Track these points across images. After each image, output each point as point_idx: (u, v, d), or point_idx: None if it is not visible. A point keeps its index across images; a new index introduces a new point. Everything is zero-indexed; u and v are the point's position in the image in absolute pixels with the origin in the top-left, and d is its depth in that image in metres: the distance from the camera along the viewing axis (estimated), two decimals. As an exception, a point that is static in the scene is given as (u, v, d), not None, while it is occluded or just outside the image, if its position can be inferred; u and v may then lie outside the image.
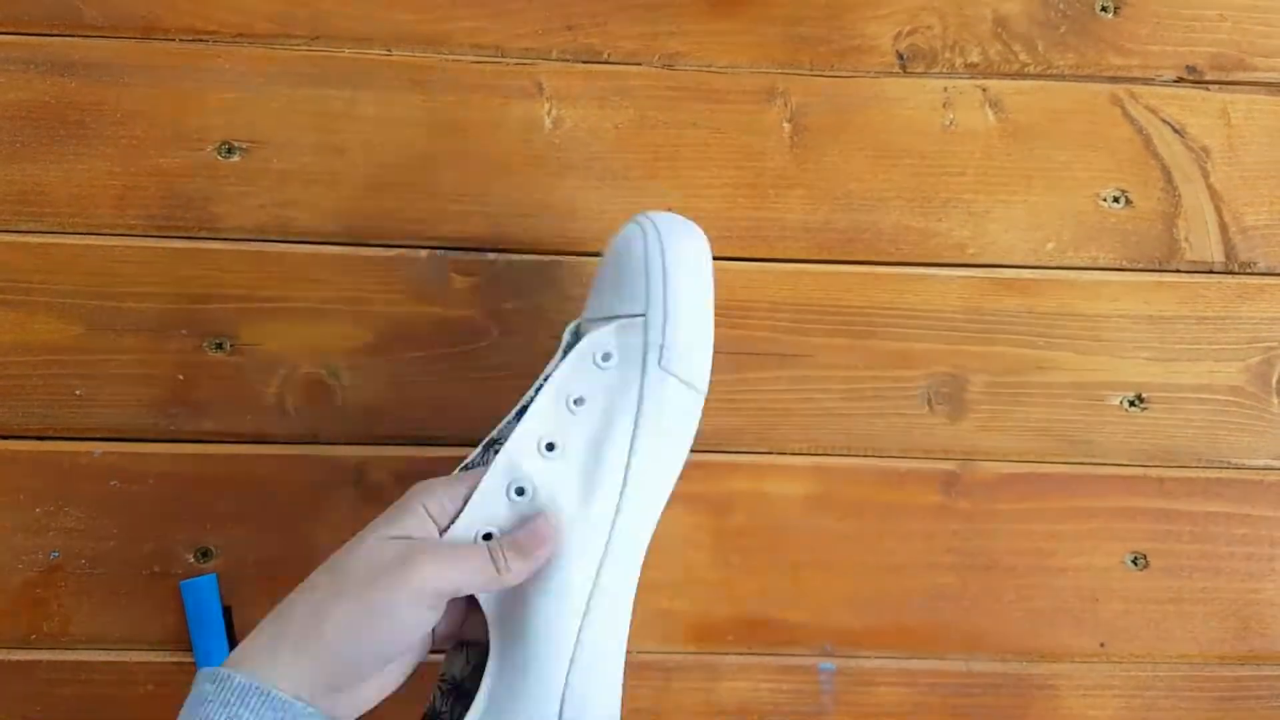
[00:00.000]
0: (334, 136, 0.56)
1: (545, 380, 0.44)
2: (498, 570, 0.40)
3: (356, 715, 0.40)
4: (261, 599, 0.41)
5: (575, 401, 0.44)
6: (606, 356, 0.44)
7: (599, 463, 0.43)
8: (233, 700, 0.36)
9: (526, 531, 0.41)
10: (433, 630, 0.42)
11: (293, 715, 0.36)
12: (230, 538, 0.52)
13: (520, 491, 0.42)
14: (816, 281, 0.56)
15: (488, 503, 0.42)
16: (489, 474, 0.42)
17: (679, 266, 0.45)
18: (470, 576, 0.40)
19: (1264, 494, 0.55)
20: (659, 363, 0.44)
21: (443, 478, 0.42)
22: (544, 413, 0.44)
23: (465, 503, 0.42)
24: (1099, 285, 0.57)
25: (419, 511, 0.41)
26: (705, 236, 0.47)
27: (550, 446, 0.43)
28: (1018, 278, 0.56)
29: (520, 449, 0.43)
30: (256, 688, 0.36)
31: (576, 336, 0.46)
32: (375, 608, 0.38)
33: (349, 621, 0.38)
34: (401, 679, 0.42)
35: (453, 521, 0.41)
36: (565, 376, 0.44)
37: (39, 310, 0.54)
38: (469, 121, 0.56)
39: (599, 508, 0.42)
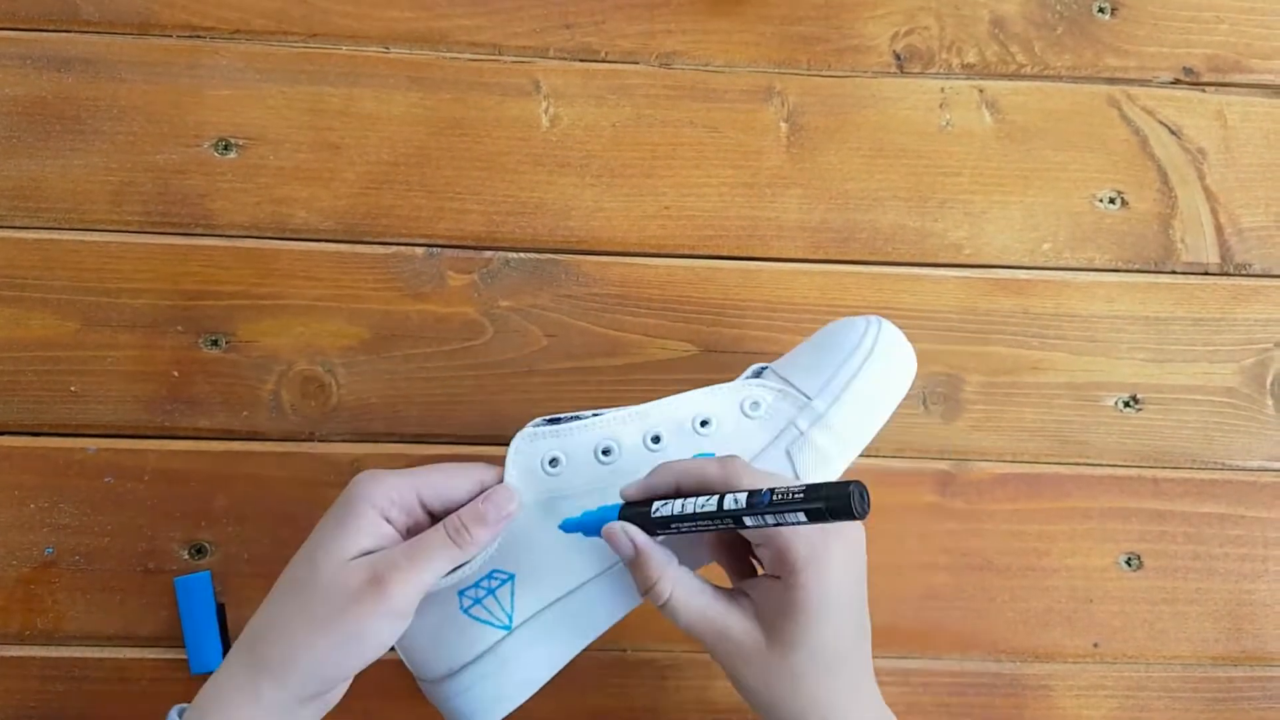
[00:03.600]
0: (331, 134, 0.56)
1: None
2: (460, 546, 0.40)
3: (338, 698, 0.42)
4: (255, 596, 0.41)
5: (701, 423, 0.45)
6: (755, 405, 0.45)
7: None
8: None
9: (489, 501, 0.42)
10: None
11: None
12: (225, 535, 0.52)
13: (606, 452, 0.44)
14: (813, 281, 0.56)
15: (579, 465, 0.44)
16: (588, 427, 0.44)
17: (873, 367, 0.46)
18: (438, 566, 0.40)
19: (1258, 495, 0.55)
20: (805, 426, 0.45)
21: (394, 473, 0.42)
22: (664, 410, 0.45)
23: (419, 507, 0.42)
24: (1094, 286, 0.57)
25: (372, 517, 0.40)
26: (915, 368, 0.48)
27: (656, 439, 0.45)
28: (1013, 278, 0.56)
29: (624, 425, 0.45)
30: None
31: (754, 374, 0.48)
32: (353, 634, 0.38)
33: (326, 651, 0.38)
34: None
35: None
36: (707, 397, 0.46)
37: (34, 306, 0.54)
38: (466, 119, 0.56)
39: None
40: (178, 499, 0.53)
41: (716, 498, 0.38)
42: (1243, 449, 0.56)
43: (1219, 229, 0.57)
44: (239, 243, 0.55)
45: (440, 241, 0.55)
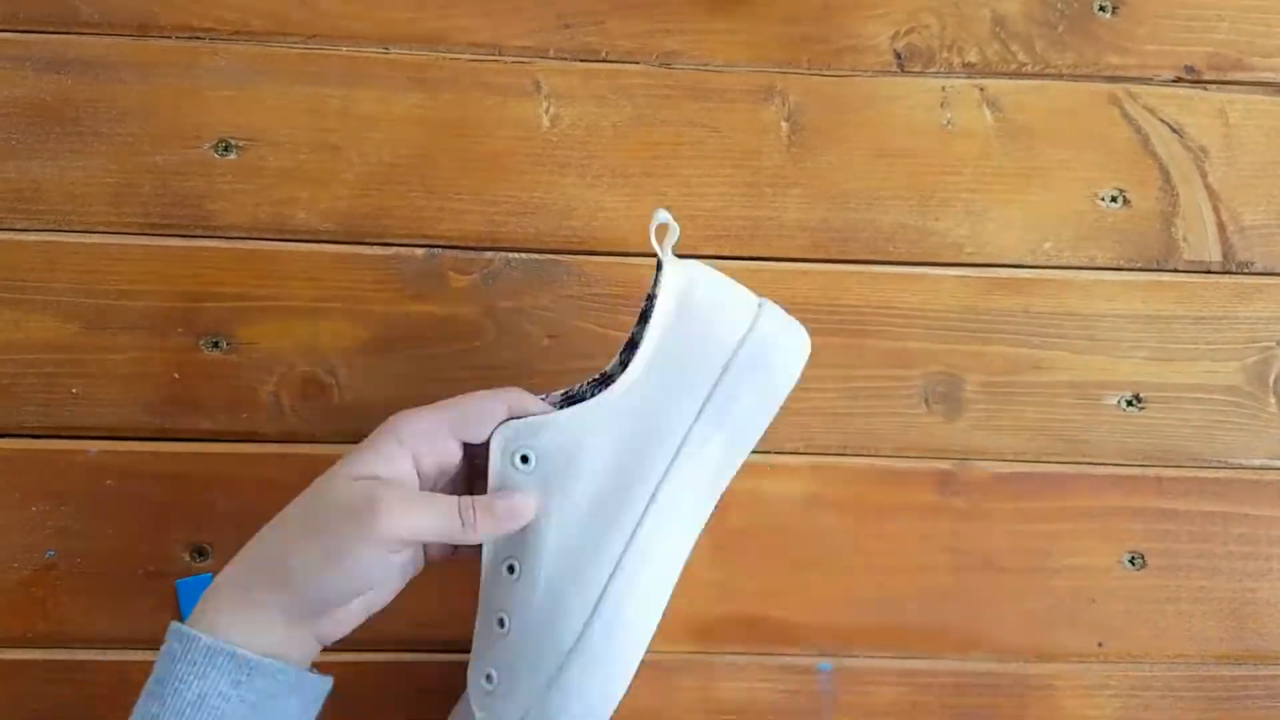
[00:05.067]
0: (331, 134, 0.56)
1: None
2: (463, 525, 0.40)
3: (344, 631, 0.41)
4: (257, 598, 0.41)
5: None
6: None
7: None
8: (200, 660, 0.37)
9: (507, 502, 0.41)
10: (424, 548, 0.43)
11: (261, 673, 0.37)
12: (226, 537, 0.52)
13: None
14: (813, 281, 0.56)
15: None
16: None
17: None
18: (434, 525, 0.40)
19: (1261, 493, 0.55)
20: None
21: (426, 408, 0.42)
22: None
23: (448, 438, 0.42)
24: (1096, 285, 0.56)
25: (396, 447, 0.41)
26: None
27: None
28: (1015, 277, 0.56)
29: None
30: (224, 649, 0.37)
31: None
32: (335, 552, 0.38)
33: (312, 563, 0.38)
34: (388, 599, 0.42)
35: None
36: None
37: (35, 309, 0.53)
38: (466, 120, 0.56)
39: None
40: (179, 501, 0.52)
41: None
42: (1245, 447, 0.56)
43: (1221, 227, 0.57)
44: (239, 244, 0.55)
45: (441, 242, 0.55)
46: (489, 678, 0.42)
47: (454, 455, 0.42)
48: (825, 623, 0.53)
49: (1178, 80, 0.59)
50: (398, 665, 0.52)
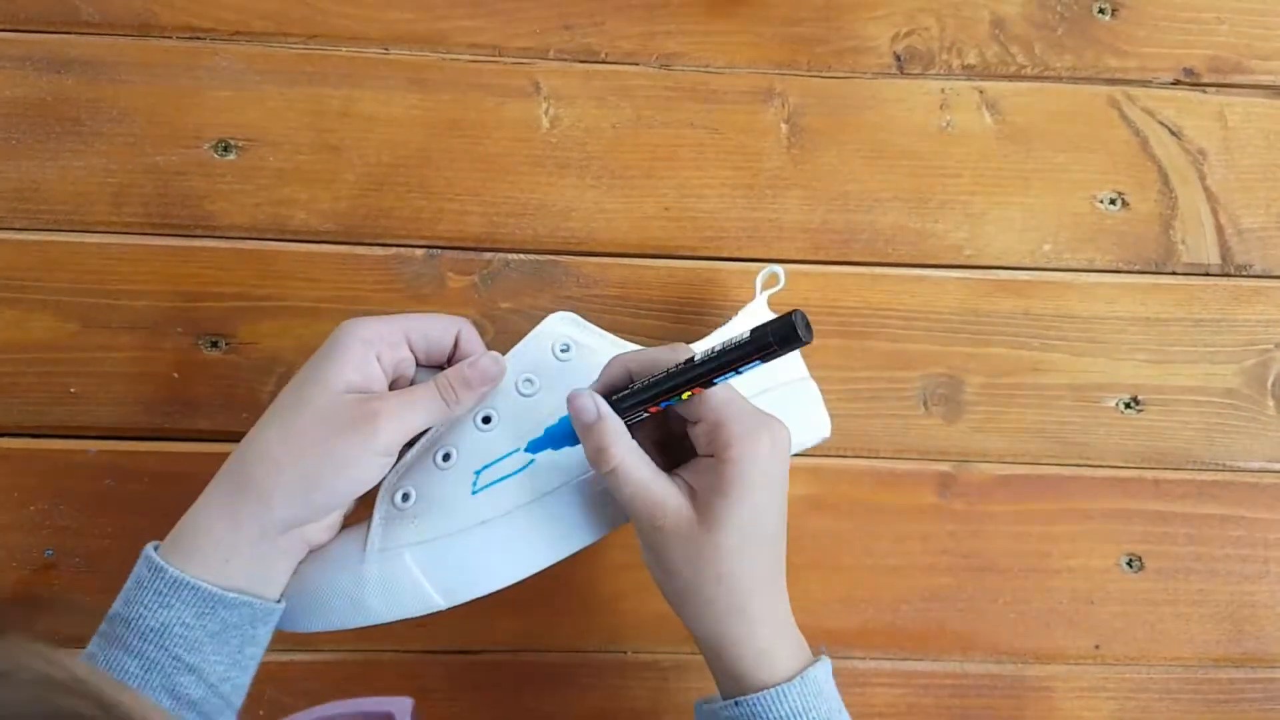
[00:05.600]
0: (330, 135, 0.56)
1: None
2: (447, 404, 0.43)
3: (329, 535, 0.44)
4: (256, 598, 0.41)
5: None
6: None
7: None
8: (165, 591, 0.39)
9: (474, 368, 0.44)
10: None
11: (224, 605, 0.40)
12: (225, 536, 0.52)
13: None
14: (813, 282, 0.56)
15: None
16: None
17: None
18: (425, 417, 0.42)
19: (1259, 496, 0.55)
20: None
21: (376, 318, 0.44)
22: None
23: (405, 345, 0.44)
24: (1095, 287, 0.57)
25: (363, 350, 0.42)
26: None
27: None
28: (1014, 279, 0.56)
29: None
30: (188, 583, 0.39)
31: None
32: (339, 462, 0.40)
33: (312, 474, 0.40)
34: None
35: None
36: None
37: (35, 308, 0.53)
38: (466, 120, 0.56)
39: None
40: (178, 501, 0.52)
41: (680, 364, 0.41)
42: (1244, 450, 0.56)
43: (1219, 229, 0.57)
44: (239, 244, 0.55)
45: (440, 243, 0.55)
46: (405, 496, 0.44)
47: (410, 364, 0.45)
48: (823, 623, 0.53)
49: (1177, 83, 0.59)
50: (399, 665, 0.52)
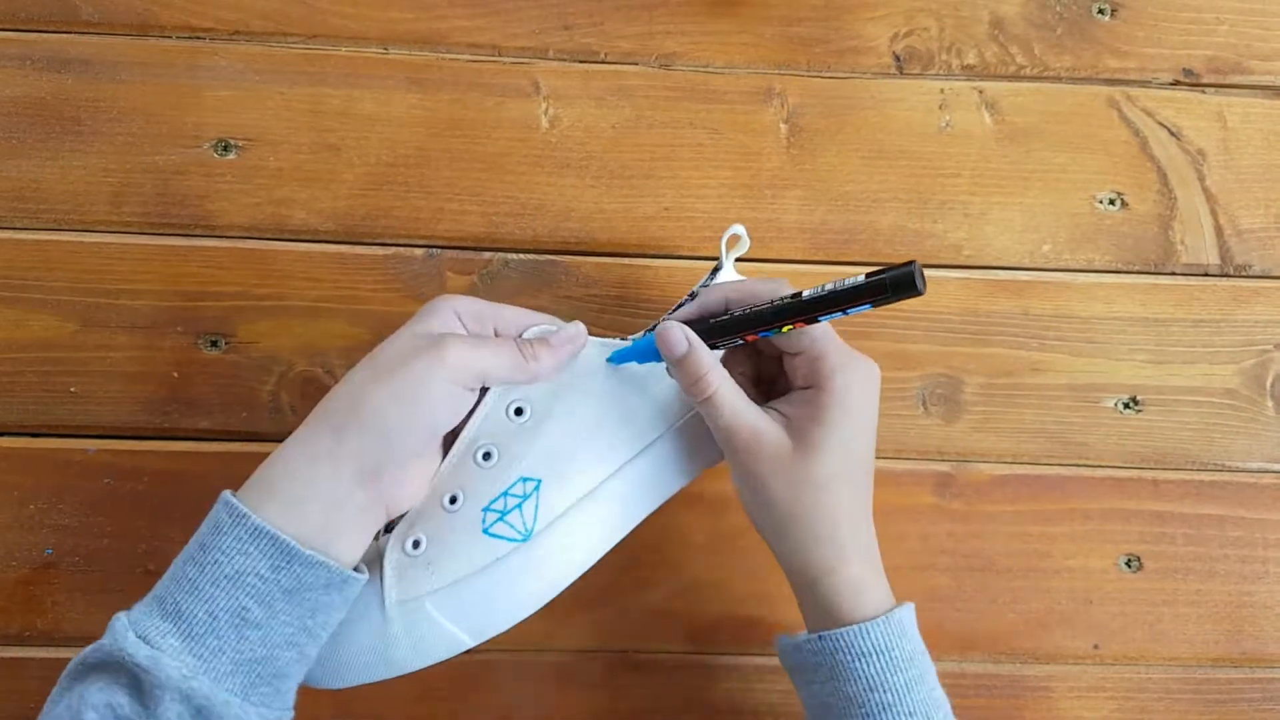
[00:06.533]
0: (330, 135, 0.56)
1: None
2: (525, 359, 0.43)
3: (407, 504, 0.43)
4: (255, 597, 0.41)
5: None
6: None
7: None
8: (245, 538, 0.38)
9: (560, 334, 0.44)
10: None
11: (301, 562, 0.38)
12: (225, 536, 0.52)
13: None
14: (812, 282, 0.56)
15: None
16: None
17: None
18: (500, 361, 0.42)
19: (1258, 496, 0.55)
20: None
21: (470, 296, 0.45)
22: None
23: (490, 325, 0.44)
24: (1094, 287, 0.57)
25: (452, 317, 0.43)
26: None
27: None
28: (1013, 279, 0.56)
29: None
30: (268, 532, 0.38)
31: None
32: (409, 385, 0.40)
33: (385, 402, 0.40)
34: (434, 472, 0.44)
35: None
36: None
37: (34, 307, 0.53)
38: (466, 120, 0.56)
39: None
40: (177, 500, 0.52)
41: (785, 297, 0.41)
42: (1243, 450, 0.56)
43: (1219, 230, 0.57)
44: (238, 243, 0.55)
45: (440, 242, 0.55)
46: (416, 544, 0.43)
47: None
48: (822, 624, 0.53)
49: (1176, 83, 0.59)
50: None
